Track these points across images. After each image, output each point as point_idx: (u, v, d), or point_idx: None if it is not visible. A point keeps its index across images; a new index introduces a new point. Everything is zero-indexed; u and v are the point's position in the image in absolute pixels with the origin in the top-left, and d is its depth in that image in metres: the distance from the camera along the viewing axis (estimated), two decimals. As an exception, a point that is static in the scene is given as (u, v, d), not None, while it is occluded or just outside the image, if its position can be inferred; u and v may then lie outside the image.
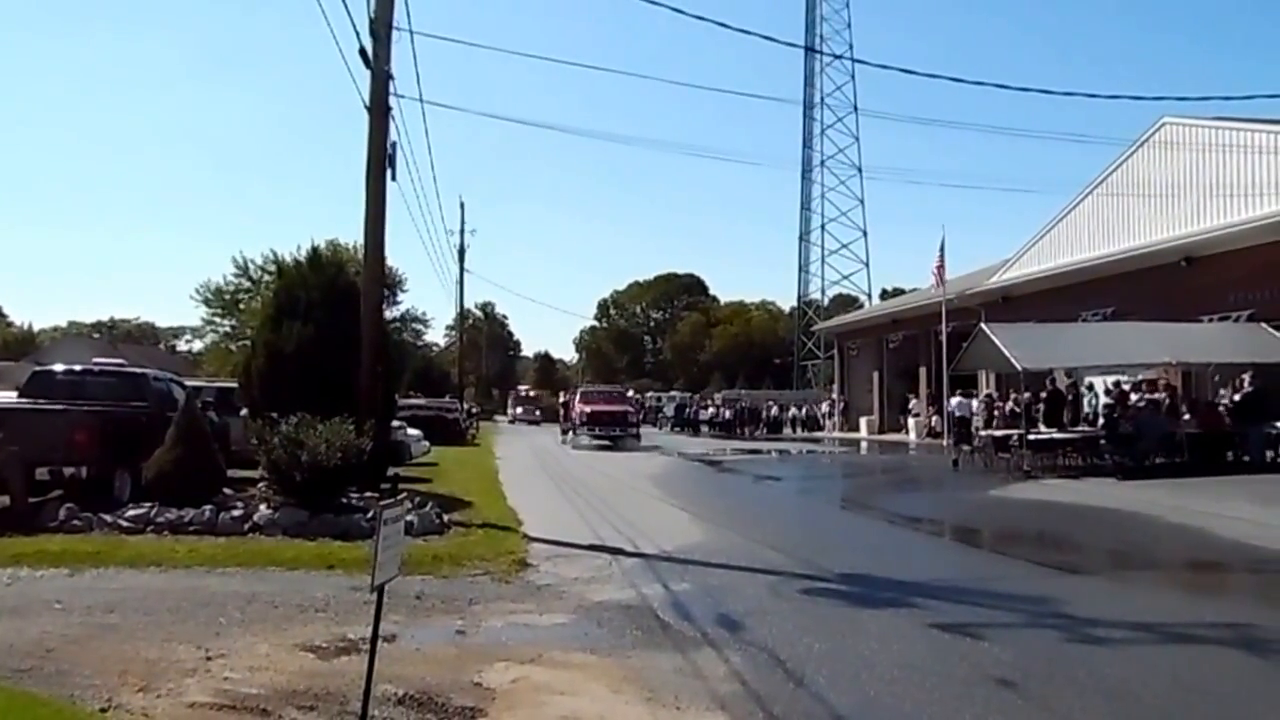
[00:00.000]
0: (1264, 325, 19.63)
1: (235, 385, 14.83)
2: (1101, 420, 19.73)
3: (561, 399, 44.16)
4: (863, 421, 41.41)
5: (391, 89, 12.26)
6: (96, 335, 76.82)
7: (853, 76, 62.35)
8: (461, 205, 47.98)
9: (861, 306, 61.93)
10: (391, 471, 14.03)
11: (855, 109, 62.64)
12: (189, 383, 16.25)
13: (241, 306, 60.44)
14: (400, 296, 68.22)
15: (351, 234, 43.53)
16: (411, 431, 21.69)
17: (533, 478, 19.10)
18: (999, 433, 20.41)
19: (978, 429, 22.65)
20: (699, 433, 46.78)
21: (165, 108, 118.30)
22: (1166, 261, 23.07)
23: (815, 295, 67.55)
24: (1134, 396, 19.51)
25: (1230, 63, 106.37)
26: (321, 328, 12.63)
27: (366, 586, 4.26)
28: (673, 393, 66.16)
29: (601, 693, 4.85)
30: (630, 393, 43.64)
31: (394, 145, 12.34)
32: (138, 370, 15.05)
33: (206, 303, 63.00)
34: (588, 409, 31.81)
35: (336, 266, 15.54)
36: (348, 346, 12.07)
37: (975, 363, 22.95)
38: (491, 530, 10.40)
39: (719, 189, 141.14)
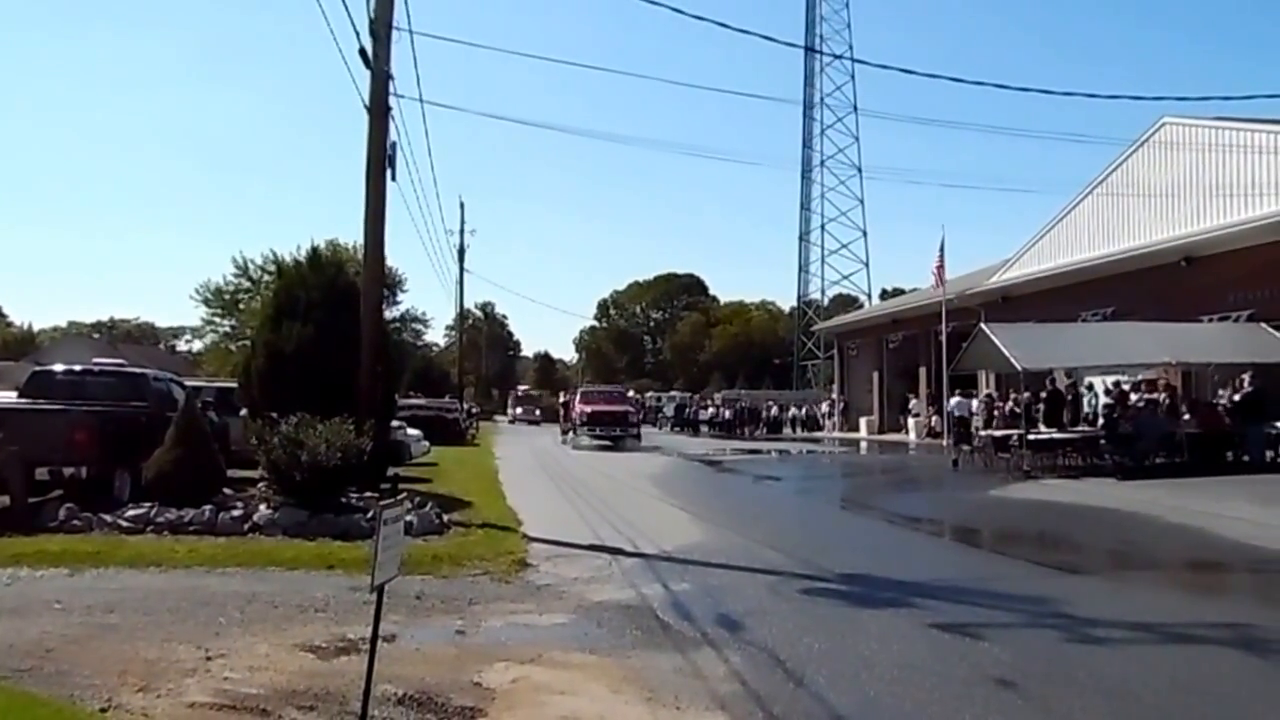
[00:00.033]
0: (1264, 325, 19.62)
1: (235, 385, 14.82)
2: (1101, 420, 19.73)
3: (561, 399, 44.13)
4: (862, 421, 41.42)
5: (391, 89, 12.27)
6: (96, 335, 76.81)
7: (852, 76, 62.49)
8: (461, 205, 48.03)
9: (861, 306, 61.96)
10: (391, 471, 14.02)
11: (855, 109, 62.77)
12: (189, 383, 16.25)
13: (241, 306, 60.48)
14: (400, 296, 68.35)
15: (351, 234, 43.64)
16: (411, 431, 21.68)
17: (532, 478, 19.10)
18: (999, 433, 20.41)
19: (977, 429, 22.65)
20: (699, 433, 46.79)
21: (165, 107, 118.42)
22: (1166, 261, 23.06)
23: (815, 295, 67.68)
24: (1134, 396, 19.52)
25: (1230, 63, 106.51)
26: (321, 328, 12.62)
27: (366, 586, 4.26)
28: (672, 393, 66.18)
29: (601, 693, 4.85)
30: (630, 393, 43.64)
31: (394, 145, 12.35)
32: (137, 370, 15.05)
33: (206, 303, 63.12)
34: (588, 409, 31.79)
35: (336, 266, 15.53)
36: (347, 347, 12.07)
37: (975, 363, 22.95)
38: (491, 530, 10.40)
39: (719, 189, 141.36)
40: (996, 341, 18.97)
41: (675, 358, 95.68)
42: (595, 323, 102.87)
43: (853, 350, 45.64)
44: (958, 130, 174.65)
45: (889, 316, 41.13)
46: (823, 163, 64.27)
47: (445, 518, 10.65)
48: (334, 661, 5.32)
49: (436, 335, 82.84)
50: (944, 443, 27.33)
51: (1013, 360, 18.33)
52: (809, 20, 62.90)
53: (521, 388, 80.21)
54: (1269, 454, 17.68)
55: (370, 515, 8.64)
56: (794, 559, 8.94)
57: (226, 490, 11.37)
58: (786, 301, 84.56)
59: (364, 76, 11.97)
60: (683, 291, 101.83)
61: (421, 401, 34.62)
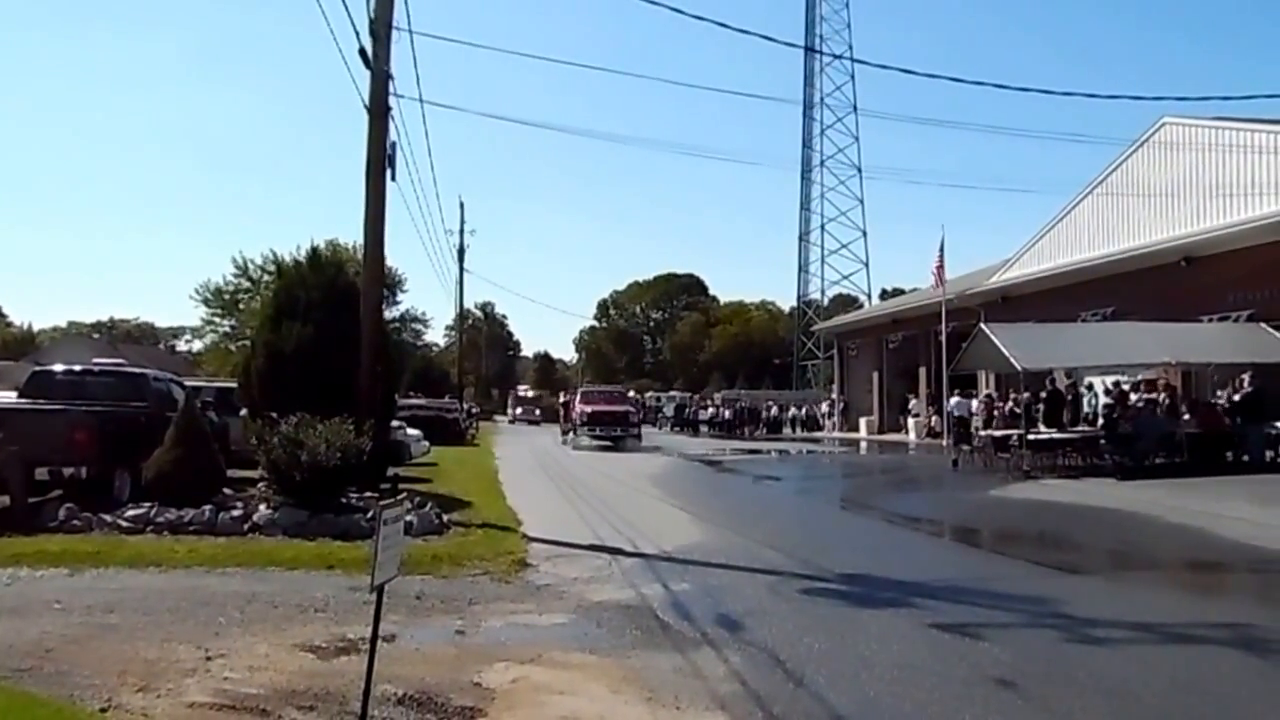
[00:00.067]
0: (1264, 325, 19.62)
1: (235, 385, 14.82)
2: (1101, 420, 19.73)
3: (562, 399, 44.06)
4: (862, 422, 41.42)
5: (391, 89, 12.27)
6: (96, 335, 76.81)
7: (852, 76, 62.50)
8: (461, 205, 48.02)
9: (861, 306, 61.98)
10: (391, 471, 14.02)
11: (855, 109, 62.78)
12: (188, 383, 16.24)
13: (241, 306, 60.46)
14: (400, 296, 68.35)
15: (351, 234, 43.63)
16: (411, 431, 21.68)
17: (532, 478, 19.10)
18: (999, 433, 20.41)
19: (977, 429, 22.65)
20: (698, 433, 46.80)
21: (165, 107, 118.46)
22: (1166, 261, 23.06)
23: (815, 295, 67.71)
24: (1134, 397, 19.52)
25: (1230, 63, 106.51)
26: (321, 328, 12.61)
27: (366, 586, 4.26)
28: (672, 393, 66.17)
29: (601, 693, 4.85)
30: (631, 393, 43.60)
31: (394, 145, 12.35)
32: (137, 370, 15.05)
33: (206, 303, 63.10)
34: (588, 409, 31.75)
35: (336, 266, 15.52)
36: (347, 347, 12.07)
37: (975, 363, 22.95)
38: (491, 530, 10.40)
39: (719, 189, 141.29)
40: (996, 341, 18.97)
41: (675, 358, 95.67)
42: (595, 323, 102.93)
43: (853, 350, 45.64)
44: (958, 130, 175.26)
45: (889, 316, 41.13)
46: (822, 163, 64.34)
47: (445, 518, 10.64)
48: (334, 661, 5.32)
49: (436, 335, 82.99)
50: (944, 443, 27.33)
51: (1013, 360, 18.33)
52: (809, 20, 62.99)
53: (521, 388, 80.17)
54: (1269, 454, 17.69)
55: (370, 515, 8.63)
56: (794, 559, 8.94)
57: (226, 490, 11.37)
58: (786, 301, 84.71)
59: (364, 76, 11.98)
60: (683, 291, 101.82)
61: (421, 401, 34.61)
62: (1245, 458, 17.70)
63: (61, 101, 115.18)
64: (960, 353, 22.21)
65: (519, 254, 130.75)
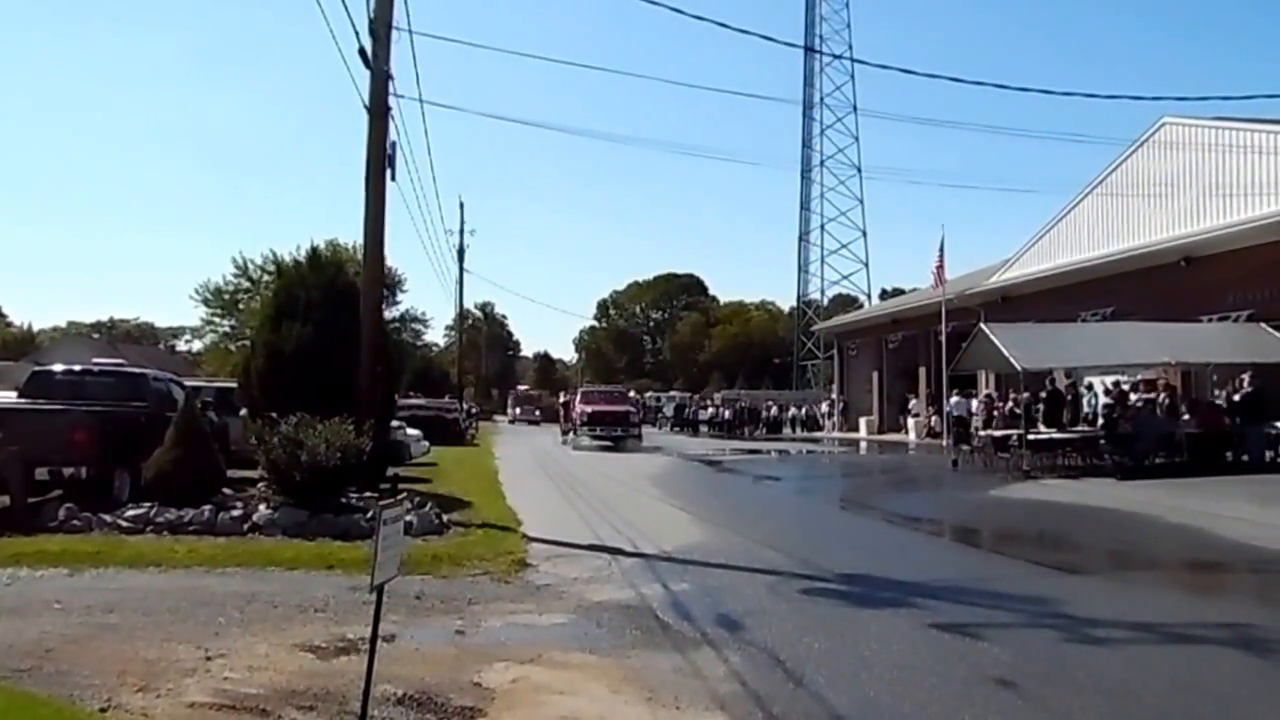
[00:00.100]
0: (1264, 325, 19.63)
1: (235, 385, 14.83)
2: (1101, 420, 19.73)
3: (562, 399, 43.99)
4: (862, 421, 41.42)
5: (391, 89, 12.27)
6: (96, 335, 76.79)
7: (852, 76, 62.52)
8: (461, 205, 48.00)
9: (861, 306, 61.98)
10: (391, 471, 14.02)
11: (855, 109, 62.79)
12: (188, 383, 16.24)
13: (241, 306, 60.42)
14: (400, 296, 68.27)
15: (351, 234, 43.60)
16: (411, 431, 21.68)
17: (532, 478, 19.10)
18: (998, 433, 20.42)
19: (976, 429, 22.65)
20: (698, 433, 46.80)
21: (164, 107, 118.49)
22: (1166, 261, 23.07)
23: (815, 295, 67.72)
24: (1133, 397, 19.52)
25: (1230, 63, 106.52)
26: (321, 328, 12.62)
27: (366, 586, 4.26)
28: (672, 393, 66.17)
29: (601, 693, 4.85)
30: (631, 393, 43.56)
31: (394, 145, 12.35)
32: (137, 370, 15.05)
33: (206, 303, 63.05)
34: (589, 409, 31.70)
35: (336, 266, 15.53)
36: (347, 346, 12.07)
37: (975, 363, 22.95)
38: (491, 530, 10.40)
39: (719, 189, 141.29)
40: (996, 341, 18.98)
41: (675, 358, 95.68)
42: (595, 323, 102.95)
43: (852, 350, 45.64)
44: (958, 130, 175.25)
45: (889, 316, 41.13)
46: (822, 163, 64.36)
47: (445, 518, 10.64)
48: (334, 661, 5.32)
49: (436, 335, 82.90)
50: (944, 443, 27.33)
51: (1012, 360, 18.33)
52: (809, 20, 62.99)
53: (521, 388, 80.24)
54: (1269, 454, 17.69)
55: (370, 515, 8.64)
56: (793, 559, 8.94)
57: (226, 490, 11.37)
58: (786, 301, 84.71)
59: (364, 76, 11.98)
60: (682, 291, 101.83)
61: (421, 401, 34.60)
62: (1245, 458, 17.70)
63: (61, 101, 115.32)
64: (960, 353, 22.21)
65: (519, 254, 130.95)
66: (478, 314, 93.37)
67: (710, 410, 49.75)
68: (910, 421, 36.65)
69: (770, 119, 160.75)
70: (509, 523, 11.09)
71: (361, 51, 11.67)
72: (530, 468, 22.10)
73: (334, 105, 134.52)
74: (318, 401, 10.74)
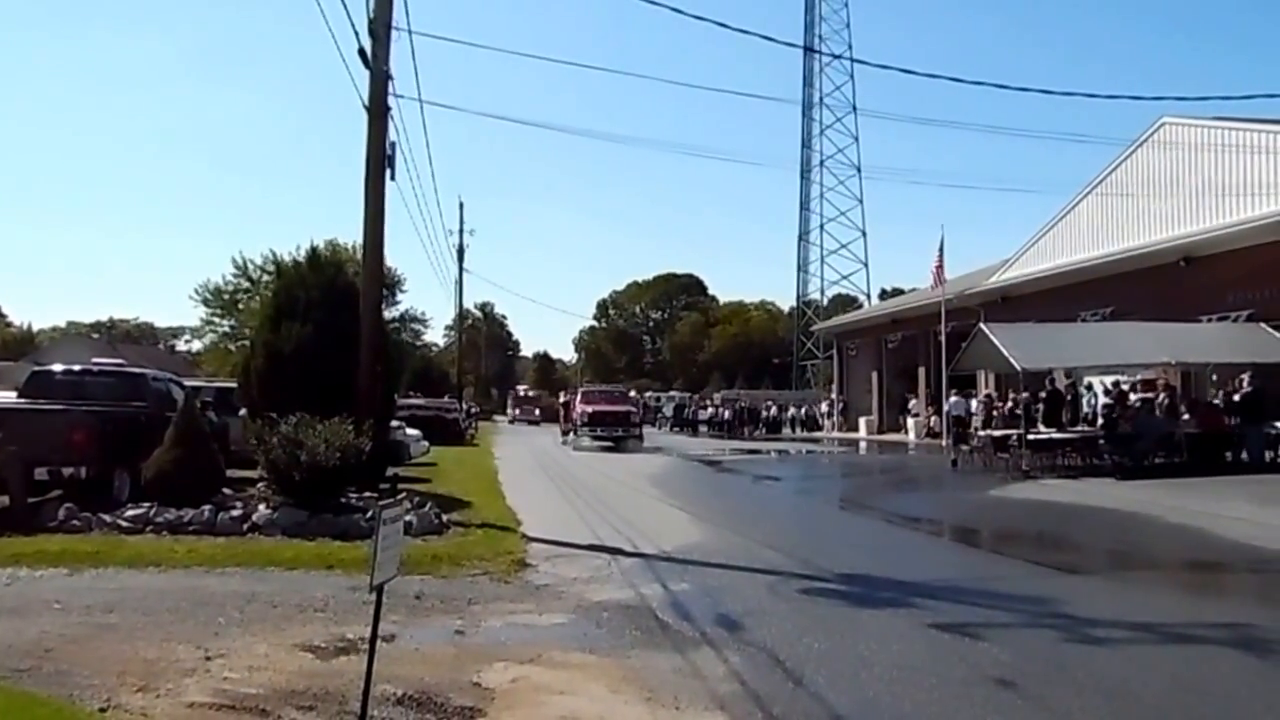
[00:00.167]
0: (1263, 325, 19.64)
1: (234, 385, 14.82)
2: (1101, 420, 19.74)
3: (562, 399, 43.90)
4: (862, 421, 41.43)
5: (391, 89, 12.26)
6: (95, 335, 76.77)
7: (852, 76, 62.52)
8: (460, 205, 48.05)
9: (861, 306, 62.00)
10: (390, 471, 14.02)
11: (854, 109, 62.80)
12: (188, 383, 16.23)
13: (240, 306, 60.34)
14: (399, 296, 68.14)
15: (351, 234, 43.51)
16: (410, 431, 21.68)
17: (532, 478, 19.10)
18: (998, 433, 20.42)
19: (975, 429, 22.65)
20: (698, 433, 46.80)
21: (164, 107, 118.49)
22: (1165, 261, 23.08)
23: (814, 295, 67.74)
24: (1133, 397, 19.53)
25: (1230, 63, 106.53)
26: (320, 328, 12.61)
27: (365, 586, 4.26)
28: (672, 393, 66.17)
29: (601, 693, 4.85)
30: (632, 393, 43.51)
31: (393, 145, 12.34)
32: (137, 370, 15.04)
33: (205, 303, 62.95)
34: (589, 409, 31.60)
35: (335, 266, 15.52)
36: (347, 346, 12.06)
37: (974, 363, 22.96)
38: (490, 530, 10.40)
39: (719, 189, 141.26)
40: (996, 341, 18.98)
41: (674, 358, 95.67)
42: (594, 323, 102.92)
43: (852, 350, 45.65)
44: (958, 130, 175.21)
45: (888, 316, 41.14)
46: (822, 163, 64.37)
47: (444, 518, 10.64)
48: (333, 661, 5.32)
49: (436, 335, 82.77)
50: (943, 443, 27.33)
51: (1012, 360, 18.33)
52: (808, 20, 62.99)
53: (521, 388, 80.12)
54: (1268, 454, 17.69)
55: (369, 515, 8.64)
56: (793, 559, 8.94)
57: (226, 490, 11.36)
58: (786, 301, 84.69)
59: (363, 76, 11.97)
60: (682, 291, 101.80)
61: (421, 401, 34.56)
62: (1245, 458, 17.71)
63: (62, 101, 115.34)
64: (960, 353, 22.22)
65: (518, 254, 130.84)
66: (477, 314, 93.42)
67: (710, 410, 49.74)
68: (910, 421, 36.66)
69: (770, 119, 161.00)
70: (509, 523, 11.09)
71: (361, 51, 11.67)
72: (530, 468, 22.10)
73: (334, 105, 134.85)
74: (317, 401, 10.73)
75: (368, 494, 11.34)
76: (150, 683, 4.79)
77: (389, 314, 59.09)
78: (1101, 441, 18.70)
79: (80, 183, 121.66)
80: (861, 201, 64.51)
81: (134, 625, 6.04)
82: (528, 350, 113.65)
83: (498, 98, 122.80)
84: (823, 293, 67.27)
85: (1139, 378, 20.77)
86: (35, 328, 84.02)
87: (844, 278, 66.11)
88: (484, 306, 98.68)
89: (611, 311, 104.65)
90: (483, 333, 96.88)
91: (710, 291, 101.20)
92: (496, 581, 7.79)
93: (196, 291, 62.64)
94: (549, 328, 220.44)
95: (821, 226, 65.34)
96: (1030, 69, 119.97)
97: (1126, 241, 24.84)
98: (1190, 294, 21.92)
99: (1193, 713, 4.67)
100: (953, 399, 25.09)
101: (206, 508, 9.98)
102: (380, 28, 11.79)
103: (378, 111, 12.01)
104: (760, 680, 5.06)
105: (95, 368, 14.45)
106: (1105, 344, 19.98)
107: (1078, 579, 8.40)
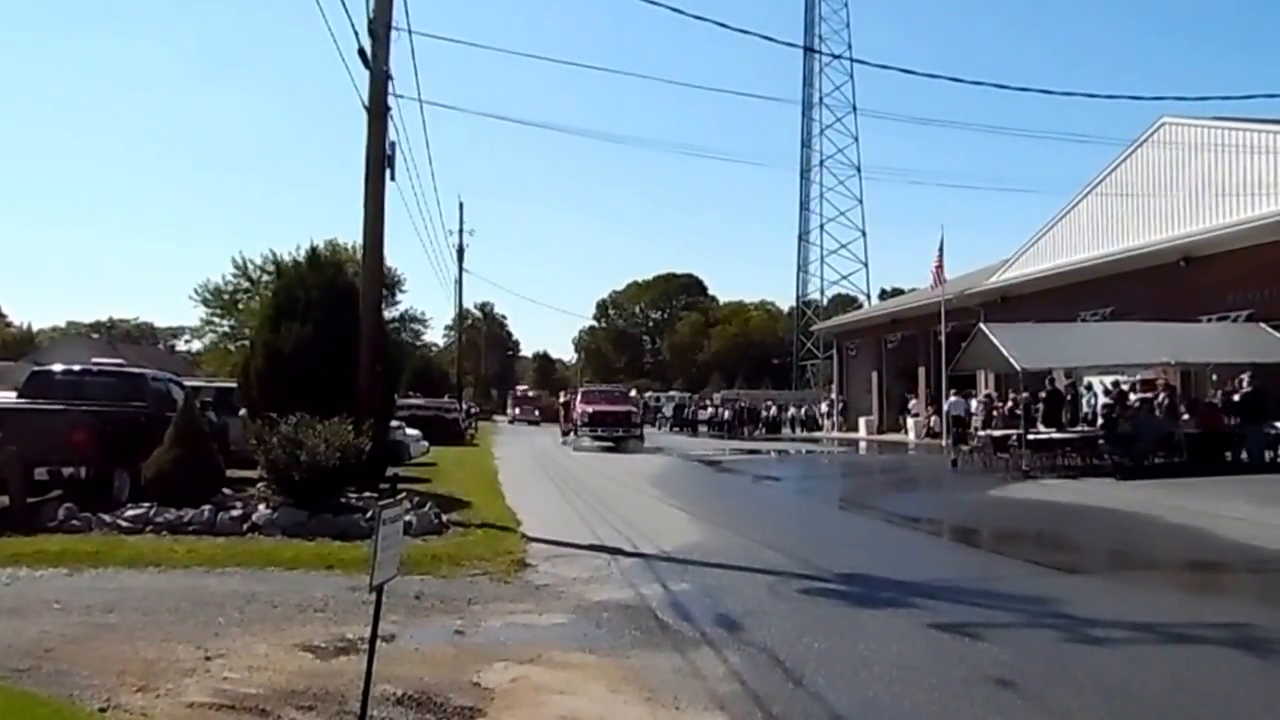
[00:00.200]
0: (1263, 325, 19.64)
1: (234, 385, 14.82)
2: (1100, 420, 19.74)
3: (562, 399, 43.83)
4: (862, 421, 41.42)
5: (390, 89, 12.26)
6: (95, 335, 76.74)
7: (851, 76, 62.51)
8: (460, 205, 48.05)
9: (860, 306, 62.00)
10: (390, 471, 14.02)
11: (854, 109, 62.80)
12: (188, 383, 16.24)
13: (240, 306, 60.33)
14: (399, 296, 68.14)
15: (351, 234, 43.52)
16: (410, 431, 21.68)
17: (532, 478, 19.10)
18: (998, 433, 20.42)
19: (975, 429, 22.66)
20: (697, 433, 46.80)
21: (163, 107, 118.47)
22: (1165, 261, 23.08)
23: (814, 295, 67.75)
24: (1133, 397, 19.53)
25: (1230, 63, 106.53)
26: (320, 328, 12.61)
27: (365, 586, 4.26)
28: (671, 393, 66.16)
29: (600, 693, 4.85)
30: (632, 392, 43.46)
31: (393, 145, 12.35)
32: (136, 370, 15.04)
33: (205, 303, 62.94)
34: (590, 409, 31.52)
35: (335, 266, 15.53)
36: (347, 346, 12.06)
37: (974, 363, 22.96)
38: (490, 530, 10.40)
39: (718, 189, 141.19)
40: (996, 342, 18.98)
41: (674, 358, 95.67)
42: (594, 323, 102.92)
43: (852, 350, 45.65)
44: (957, 130, 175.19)
45: (888, 316, 41.13)
46: (822, 163, 64.37)
47: (444, 518, 10.64)
48: (333, 661, 5.32)
49: (436, 335, 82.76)
50: (943, 443, 27.33)
51: (1012, 360, 18.33)
52: (808, 20, 62.98)
53: (521, 388, 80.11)
54: (1268, 454, 17.70)
55: (369, 515, 8.64)
56: (793, 559, 8.94)
57: (226, 490, 11.36)
58: (786, 301, 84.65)
59: (363, 77, 11.98)
60: (682, 291, 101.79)
61: (420, 401, 34.55)
62: (1245, 458, 17.71)
63: (61, 102, 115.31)
64: (960, 353, 22.22)
65: (518, 254, 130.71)
66: (477, 314, 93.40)
67: (710, 410, 49.74)
68: (910, 421, 36.66)
69: (770, 119, 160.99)
70: (508, 523, 11.09)
71: (361, 52, 11.68)
72: (530, 468, 22.10)
73: (334, 105, 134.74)
74: (317, 401, 10.73)
75: (367, 494, 11.34)
76: (150, 683, 4.79)
77: (389, 314, 59.09)
78: (1101, 441, 18.70)
79: (80, 183, 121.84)
80: (861, 201, 64.60)
81: (134, 625, 6.04)
82: (528, 350, 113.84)
83: (498, 98, 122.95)
84: (822, 293, 67.40)
85: (1139, 378, 20.78)
86: (35, 328, 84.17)
87: (844, 278, 66.23)
88: (484, 306, 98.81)
89: (611, 311, 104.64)
90: (482, 333, 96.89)
91: (710, 291, 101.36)
92: (496, 581, 7.79)
93: (196, 291, 62.71)
94: (549, 328, 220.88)
95: (821, 226, 65.43)
96: (1030, 69, 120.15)
97: (1126, 241, 24.84)
98: (1190, 294, 21.92)
99: (1193, 713, 4.67)
100: (952, 399, 25.08)
101: (206, 508, 9.98)
102: (380, 28, 11.79)
103: (377, 111, 12.02)
104: (760, 680, 5.06)
105: (95, 368, 14.45)
106: (1105, 344, 19.98)
107: (1078, 579, 8.40)
